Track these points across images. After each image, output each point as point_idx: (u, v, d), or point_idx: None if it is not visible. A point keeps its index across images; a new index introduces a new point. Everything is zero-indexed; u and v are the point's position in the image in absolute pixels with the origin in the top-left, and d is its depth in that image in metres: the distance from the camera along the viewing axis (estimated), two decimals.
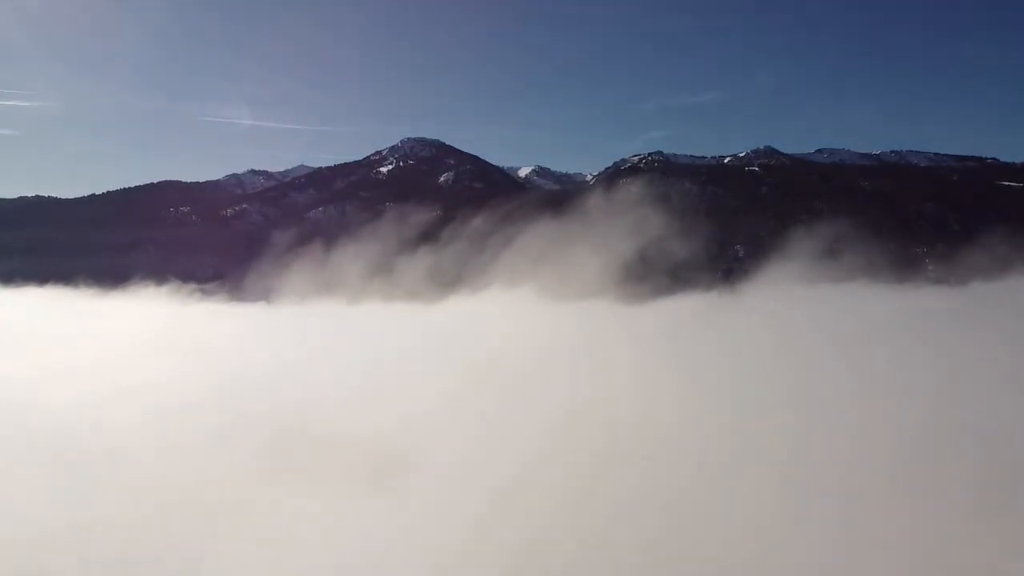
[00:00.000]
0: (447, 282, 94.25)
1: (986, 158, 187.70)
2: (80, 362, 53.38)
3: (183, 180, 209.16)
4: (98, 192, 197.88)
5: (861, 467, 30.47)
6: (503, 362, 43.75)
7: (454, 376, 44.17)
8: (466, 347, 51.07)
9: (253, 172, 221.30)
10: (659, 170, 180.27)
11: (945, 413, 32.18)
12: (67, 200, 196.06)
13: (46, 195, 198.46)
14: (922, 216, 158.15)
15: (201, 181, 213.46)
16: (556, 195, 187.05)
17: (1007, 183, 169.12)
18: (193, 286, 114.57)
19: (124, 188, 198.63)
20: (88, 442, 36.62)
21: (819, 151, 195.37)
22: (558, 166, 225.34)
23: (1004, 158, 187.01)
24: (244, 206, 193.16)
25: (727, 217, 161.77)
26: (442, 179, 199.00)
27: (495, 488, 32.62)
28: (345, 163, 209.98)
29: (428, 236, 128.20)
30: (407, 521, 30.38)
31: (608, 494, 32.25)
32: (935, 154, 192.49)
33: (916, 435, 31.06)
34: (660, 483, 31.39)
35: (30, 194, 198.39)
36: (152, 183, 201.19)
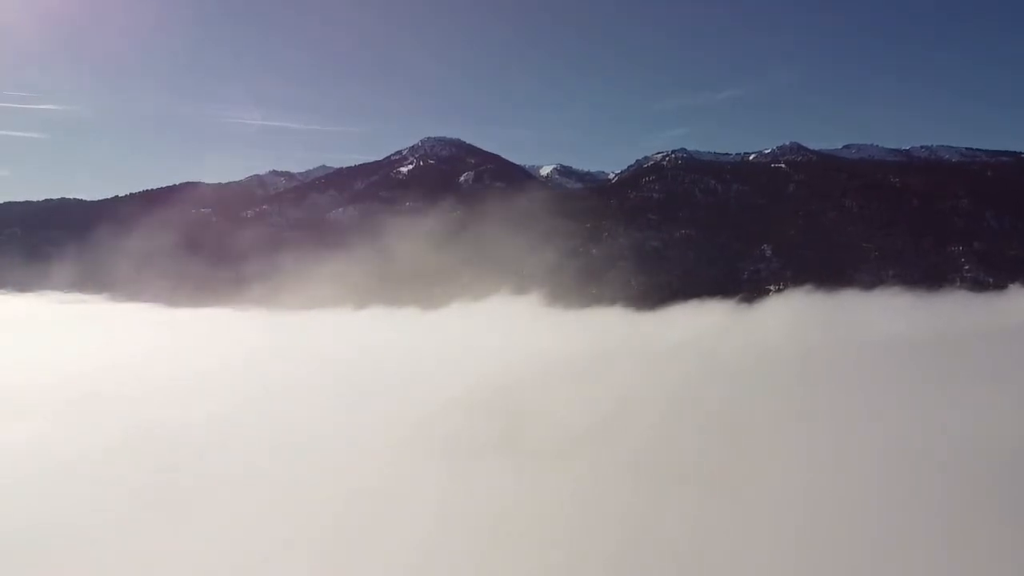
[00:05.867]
0: (452, 288, 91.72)
1: (1021, 152, 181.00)
2: None
3: (205, 181, 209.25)
4: (121, 194, 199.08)
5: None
6: (496, 387, 41.40)
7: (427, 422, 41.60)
8: (458, 369, 48.59)
9: (275, 173, 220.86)
10: (683, 168, 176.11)
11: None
12: (92, 202, 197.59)
13: (71, 197, 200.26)
14: (957, 213, 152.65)
15: (224, 182, 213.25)
16: (574, 195, 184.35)
17: None
18: (196, 293, 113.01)
19: (147, 190, 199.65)
20: None
21: (846, 147, 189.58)
22: (581, 164, 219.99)
23: None
24: (265, 207, 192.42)
25: (753, 215, 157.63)
26: (463, 179, 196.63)
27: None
28: (365, 163, 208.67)
29: (439, 239, 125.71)
30: None
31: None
32: (967, 149, 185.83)
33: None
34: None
35: (55, 196, 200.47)
36: (174, 184, 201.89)
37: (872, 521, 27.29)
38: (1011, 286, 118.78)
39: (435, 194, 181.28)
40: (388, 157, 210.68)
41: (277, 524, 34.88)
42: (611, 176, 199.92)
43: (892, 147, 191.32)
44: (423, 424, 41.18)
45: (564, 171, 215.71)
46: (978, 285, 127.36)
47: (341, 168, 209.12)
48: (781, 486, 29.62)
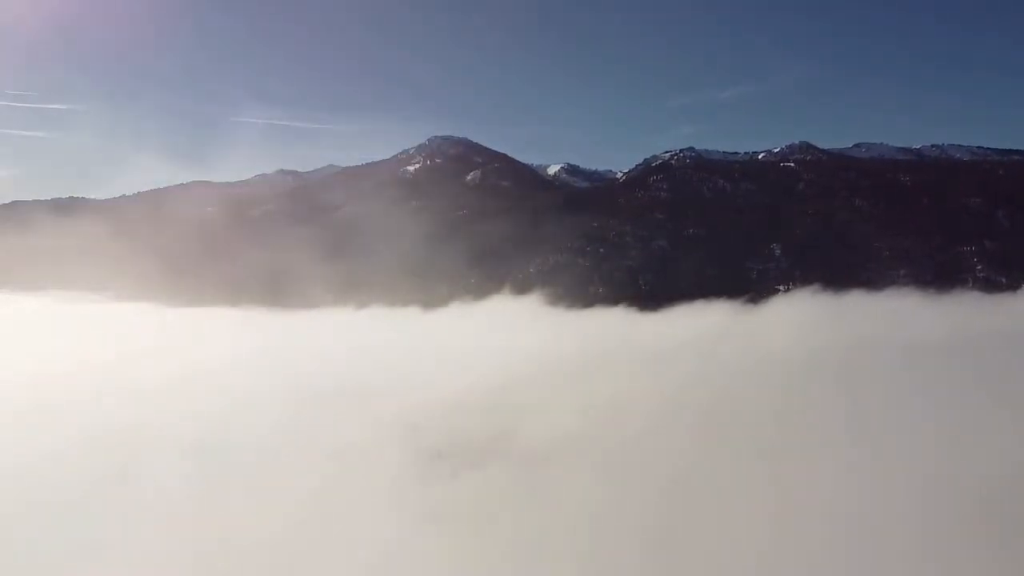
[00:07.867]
0: (455, 288, 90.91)
1: None
2: None
3: (212, 180, 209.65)
4: (129, 193, 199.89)
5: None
6: (495, 387, 40.66)
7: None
8: (458, 369, 47.79)
9: (282, 172, 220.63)
10: (691, 167, 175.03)
11: None
12: (99, 201, 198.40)
13: (79, 196, 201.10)
14: (968, 212, 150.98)
15: (230, 181, 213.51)
16: (581, 194, 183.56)
17: None
18: (201, 292, 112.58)
19: (154, 189, 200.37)
20: None
21: (856, 146, 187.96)
22: (588, 163, 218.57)
23: None
24: (271, 206, 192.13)
25: (762, 215, 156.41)
26: (469, 177, 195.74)
27: None
28: (372, 162, 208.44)
29: (445, 239, 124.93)
30: None
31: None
32: (978, 148, 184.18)
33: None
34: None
35: (63, 195, 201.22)
36: (181, 183, 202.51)
37: (875, 523, 26.62)
38: (1023, 288, 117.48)
39: (442, 193, 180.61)
40: (395, 156, 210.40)
41: (271, 525, 34.36)
42: (619, 175, 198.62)
43: (902, 146, 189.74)
44: (422, 424, 40.56)
45: (571, 170, 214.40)
46: (990, 285, 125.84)
47: (348, 167, 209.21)
48: (780, 487, 28.87)
